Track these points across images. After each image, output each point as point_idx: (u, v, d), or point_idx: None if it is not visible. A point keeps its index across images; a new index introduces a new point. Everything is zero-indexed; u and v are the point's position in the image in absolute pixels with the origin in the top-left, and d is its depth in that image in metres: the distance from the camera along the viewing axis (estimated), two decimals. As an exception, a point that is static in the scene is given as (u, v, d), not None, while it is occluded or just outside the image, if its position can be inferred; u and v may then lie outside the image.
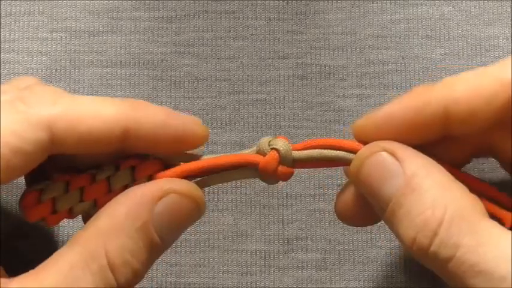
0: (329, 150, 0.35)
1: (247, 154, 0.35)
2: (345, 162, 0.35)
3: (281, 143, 0.35)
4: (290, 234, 0.45)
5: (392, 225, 0.33)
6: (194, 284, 0.44)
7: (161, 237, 0.32)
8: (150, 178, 0.34)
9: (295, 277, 0.45)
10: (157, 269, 0.44)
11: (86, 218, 0.34)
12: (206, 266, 0.45)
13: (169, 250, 0.44)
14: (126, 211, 0.31)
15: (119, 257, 0.31)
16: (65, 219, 0.35)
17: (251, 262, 0.45)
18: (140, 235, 0.31)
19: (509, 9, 0.48)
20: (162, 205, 0.32)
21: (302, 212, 0.45)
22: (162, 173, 0.34)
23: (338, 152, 0.35)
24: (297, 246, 0.45)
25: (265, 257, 0.45)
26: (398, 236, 0.32)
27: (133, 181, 0.34)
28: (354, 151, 0.35)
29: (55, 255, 0.31)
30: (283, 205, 0.45)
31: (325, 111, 0.46)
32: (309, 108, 0.46)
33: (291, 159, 0.35)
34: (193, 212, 0.33)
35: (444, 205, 0.31)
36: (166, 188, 0.32)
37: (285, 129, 0.46)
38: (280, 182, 0.36)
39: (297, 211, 0.45)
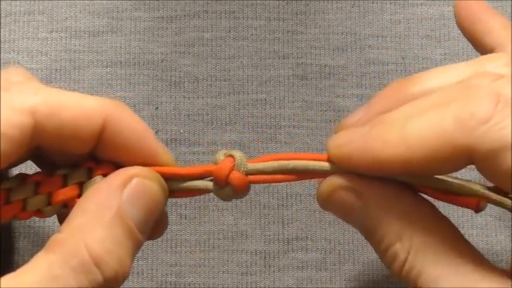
0: (286, 161, 0.34)
1: (206, 164, 0.35)
2: (305, 172, 0.34)
3: (236, 152, 0.34)
4: (290, 234, 0.45)
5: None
6: (194, 284, 0.44)
7: (135, 222, 0.32)
8: None
9: (295, 277, 0.45)
10: (157, 269, 0.44)
11: (62, 219, 0.34)
12: (206, 266, 0.45)
13: (169, 250, 0.45)
14: (97, 204, 0.32)
15: (101, 248, 0.30)
16: None
17: (251, 262, 0.45)
18: (116, 223, 0.31)
19: (509, 9, 0.48)
20: (129, 189, 0.32)
21: (302, 212, 0.45)
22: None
23: (295, 161, 0.34)
24: (297, 246, 0.45)
25: (265, 257, 0.45)
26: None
27: None
28: (316, 159, 0.34)
29: (33, 259, 0.30)
30: (283, 205, 0.45)
31: (325, 111, 0.46)
32: (309, 108, 0.46)
33: (245, 168, 0.34)
34: (159, 193, 0.33)
35: (409, 236, 0.32)
36: (130, 173, 0.33)
37: (285, 129, 0.46)
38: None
39: (297, 211, 0.45)
